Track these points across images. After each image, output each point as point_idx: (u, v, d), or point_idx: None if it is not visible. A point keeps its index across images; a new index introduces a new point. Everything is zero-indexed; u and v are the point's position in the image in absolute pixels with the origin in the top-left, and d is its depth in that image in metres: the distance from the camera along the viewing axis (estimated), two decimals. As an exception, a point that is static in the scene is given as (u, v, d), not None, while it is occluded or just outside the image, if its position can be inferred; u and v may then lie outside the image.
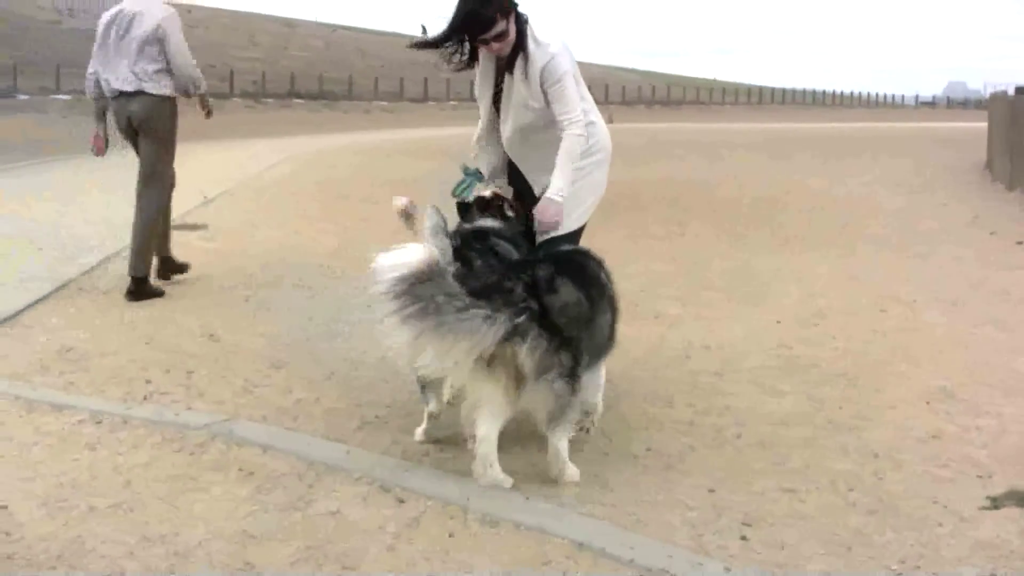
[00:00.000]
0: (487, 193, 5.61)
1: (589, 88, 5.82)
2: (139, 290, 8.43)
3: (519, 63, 5.48)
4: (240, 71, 60.07)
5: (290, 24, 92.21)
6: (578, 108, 5.47)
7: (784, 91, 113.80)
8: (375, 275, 4.26)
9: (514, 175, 5.89)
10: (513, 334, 4.46)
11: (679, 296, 8.87)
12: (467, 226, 5.40)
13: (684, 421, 5.65)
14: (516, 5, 5.44)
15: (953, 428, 5.57)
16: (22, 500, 4.40)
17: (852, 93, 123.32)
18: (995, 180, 20.30)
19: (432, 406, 5.16)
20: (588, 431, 5.34)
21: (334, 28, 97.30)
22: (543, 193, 5.52)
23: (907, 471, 4.96)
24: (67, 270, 9.21)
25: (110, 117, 8.77)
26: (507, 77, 5.58)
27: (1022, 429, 5.55)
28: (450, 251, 4.82)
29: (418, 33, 5.68)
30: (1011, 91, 22.57)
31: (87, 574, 3.82)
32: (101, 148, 8.94)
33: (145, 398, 5.85)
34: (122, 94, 8.52)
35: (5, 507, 4.32)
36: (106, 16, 8.71)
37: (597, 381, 5.35)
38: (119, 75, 8.50)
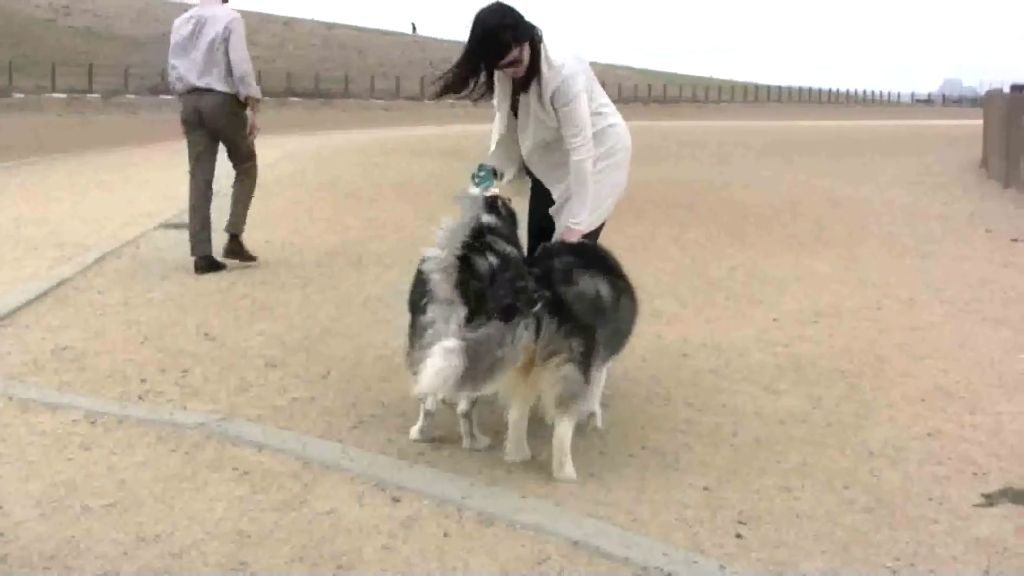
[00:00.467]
0: (487, 192, 5.64)
1: None
2: (237, 249, 9.74)
3: (533, 84, 5.51)
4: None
5: (288, 23, 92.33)
6: (586, 131, 5.50)
7: (781, 89, 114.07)
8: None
9: (531, 172, 5.98)
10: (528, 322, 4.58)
11: (678, 295, 8.86)
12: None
13: (681, 419, 5.65)
14: (532, 31, 5.42)
15: (950, 426, 5.57)
16: (16, 500, 4.40)
17: (849, 91, 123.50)
18: (990, 177, 20.35)
19: (428, 404, 5.15)
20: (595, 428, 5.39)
21: (331, 27, 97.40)
22: (561, 199, 5.70)
23: (904, 469, 4.95)
24: (63, 269, 9.20)
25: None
26: (523, 96, 5.61)
27: (1019, 427, 5.55)
28: (455, 270, 4.87)
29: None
30: (1006, 89, 22.60)
31: (82, 574, 3.81)
32: None
33: (140, 397, 5.84)
34: (194, 90, 9.40)
35: (0, 507, 4.31)
36: (179, 20, 9.59)
37: (599, 384, 5.37)
38: (192, 73, 9.38)
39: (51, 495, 4.46)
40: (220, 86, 9.35)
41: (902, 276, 9.97)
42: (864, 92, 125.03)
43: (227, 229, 9.72)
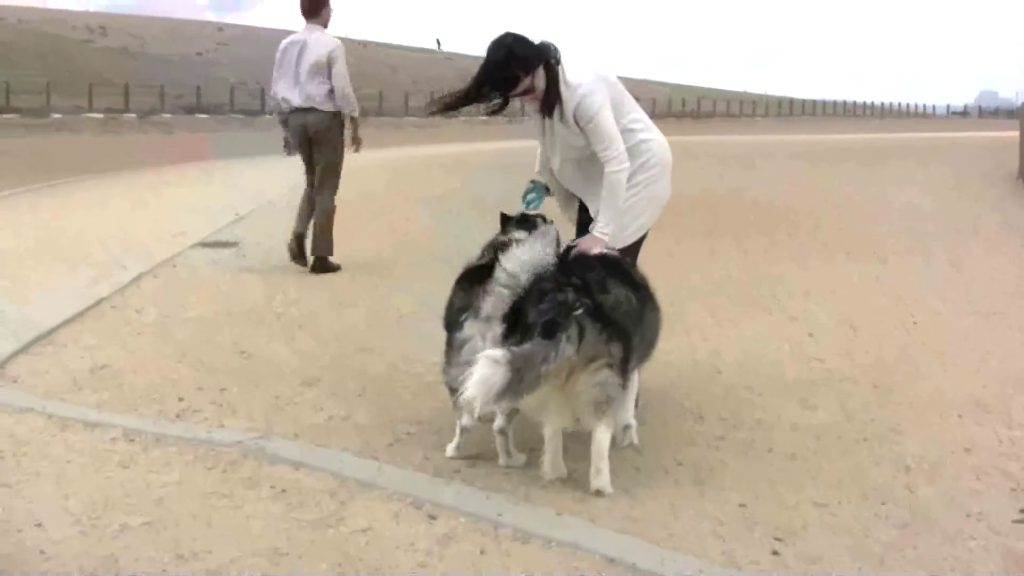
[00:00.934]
0: (535, 211, 5.71)
1: None
2: (322, 266, 10.39)
3: (556, 106, 5.53)
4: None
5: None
6: (616, 143, 5.51)
7: (816, 103, 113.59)
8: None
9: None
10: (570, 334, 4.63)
11: (711, 309, 8.84)
12: (502, 238, 5.43)
13: (715, 435, 5.64)
14: (544, 57, 5.45)
15: (986, 440, 5.54)
16: (56, 518, 4.43)
17: (883, 104, 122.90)
18: (1027, 189, 20.22)
19: (464, 421, 5.16)
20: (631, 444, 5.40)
21: (365, 44, 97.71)
22: (596, 213, 5.66)
23: (940, 483, 4.93)
24: (100, 288, 9.27)
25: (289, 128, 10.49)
26: (547, 120, 5.65)
27: (1056, 441, 5.51)
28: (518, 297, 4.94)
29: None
30: (1043, 100, 22.44)
31: (121, 592, 3.84)
32: (293, 150, 10.67)
33: (178, 416, 5.87)
34: (298, 110, 10.28)
35: (39, 525, 4.35)
36: (284, 44, 10.44)
37: (632, 396, 5.38)
38: (296, 94, 10.26)
39: (89, 513, 4.49)
40: (322, 105, 10.21)
41: (935, 287, 9.92)
42: (899, 105, 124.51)
43: (313, 253, 10.44)
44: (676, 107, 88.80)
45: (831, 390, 6.47)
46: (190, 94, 56.99)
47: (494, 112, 5.70)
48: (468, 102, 5.51)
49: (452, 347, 5.07)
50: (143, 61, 71.44)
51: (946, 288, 9.90)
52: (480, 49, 5.64)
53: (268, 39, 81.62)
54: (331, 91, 10.24)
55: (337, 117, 10.38)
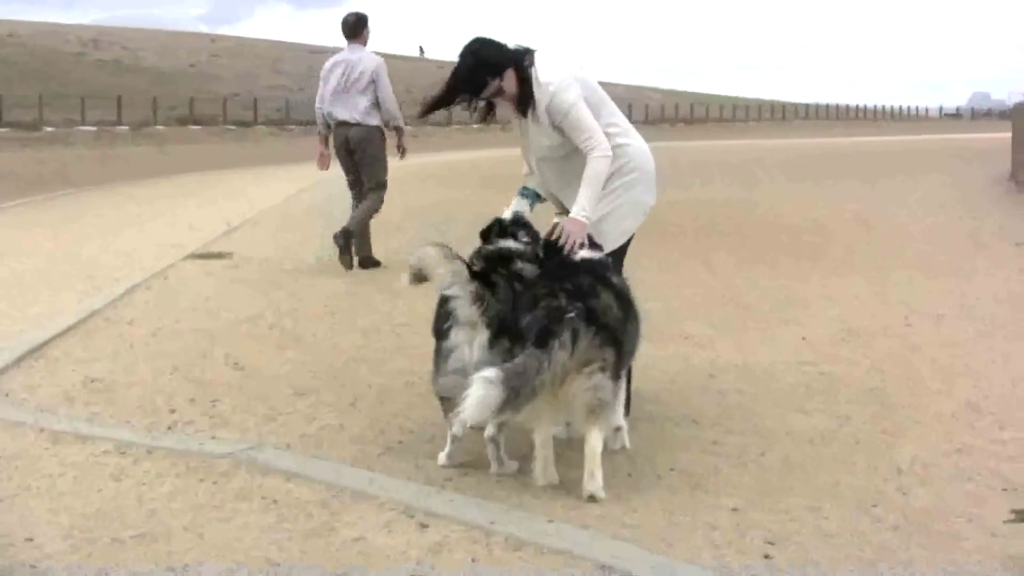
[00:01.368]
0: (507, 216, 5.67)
1: None
2: (363, 263, 11.29)
3: (529, 108, 5.57)
4: (264, 99, 60.47)
5: (315, 52, 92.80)
6: (597, 132, 5.50)
7: (808, 106, 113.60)
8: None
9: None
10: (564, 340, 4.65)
11: (707, 317, 8.84)
12: (489, 248, 5.42)
13: (710, 441, 5.63)
14: (514, 59, 5.51)
15: (980, 442, 5.54)
16: (47, 532, 4.42)
17: (876, 106, 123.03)
18: (1020, 191, 20.24)
19: (456, 429, 5.15)
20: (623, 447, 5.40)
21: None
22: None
23: (933, 486, 4.93)
24: (93, 301, 9.27)
25: (331, 141, 11.41)
26: (521, 119, 5.68)
27: (1050, 442, 5.51)
28: (465, 272, 4.96)
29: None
30: (1035, 101, 22.49)
31: (112, 605, 3.83)
32: (326, 163, 11.67)
33: (169, 428, 5.86)
34: (342, 123, 11.13)
35: (31, 539, 4.34)
36: (329, 62, 11.36)
37: (621, 398, 5.37)
38: (341, 109, 11.12)
39: (81, 526, 4.48)
40: (366, 119, 11.08)
41: (931, 293, 9.93)
42: (892, 107, 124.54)
43: (357, 253, 11.23)
44: (669, 113, 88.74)
45: (826, 396, 6.47)
46: (183, 106, 56.82)
47: (485, 119, 5.79)
48: (443, 106, 5.67)
49: (440, 356, 5.07)
50: (136, 74, 71.38)
51: (941, 293, 9.92)
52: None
53: (261, 51, 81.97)
54: (372, 105, 11.06)
55: (378, 129, 11.21)
